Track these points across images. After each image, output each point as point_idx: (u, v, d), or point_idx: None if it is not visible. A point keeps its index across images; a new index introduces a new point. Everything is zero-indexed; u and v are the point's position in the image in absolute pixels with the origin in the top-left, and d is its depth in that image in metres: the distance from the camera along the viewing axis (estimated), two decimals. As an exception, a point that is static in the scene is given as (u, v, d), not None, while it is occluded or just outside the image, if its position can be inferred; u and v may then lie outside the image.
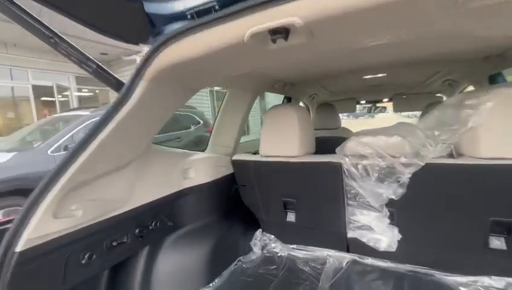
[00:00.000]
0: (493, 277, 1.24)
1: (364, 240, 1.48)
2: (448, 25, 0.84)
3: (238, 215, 1.83)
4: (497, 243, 1.24)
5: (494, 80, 1.88)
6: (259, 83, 1.81)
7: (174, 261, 1.34)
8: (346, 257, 1.53)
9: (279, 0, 0.67)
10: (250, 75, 1.60)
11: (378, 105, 3.96)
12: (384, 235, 1.42)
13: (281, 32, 0.73)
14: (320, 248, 1.65)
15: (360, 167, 1.33)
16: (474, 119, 1.14)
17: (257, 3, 0.69)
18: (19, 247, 0.75)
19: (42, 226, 0.78)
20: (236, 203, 1.86)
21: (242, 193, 1.85)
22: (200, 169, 1.56)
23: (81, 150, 0.87)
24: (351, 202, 1.47)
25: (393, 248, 1.39)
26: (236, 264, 1.60)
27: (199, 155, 1.67)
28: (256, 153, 1.76)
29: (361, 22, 0.73)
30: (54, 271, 0.87)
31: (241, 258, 1.65)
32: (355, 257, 1.52)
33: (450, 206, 1.25)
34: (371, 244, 1.46)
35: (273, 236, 1.82)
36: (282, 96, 2.65)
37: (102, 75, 0.96)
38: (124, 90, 0.93)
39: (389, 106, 4.00)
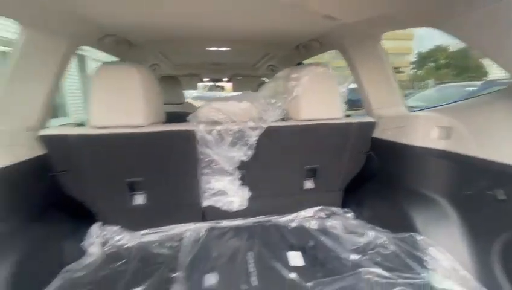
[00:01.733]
0: (306, 210, 1.68)
1: (219, 205, 1.53)
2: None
3: (57, 213, 1.32)
4: (308, 184, 1.68)
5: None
6: (80, 28, 1.31)
7: None
8: (203, 226, 1.53)
9: None
10: (60, 10, 1.11)
11: (218, 84, 4.23)
12: (236, 196, 1.53)
13: None
14: (175, 225, 1.54)
15: (214, 132, 1.32)
16: (297, 90, 1.42)
17: None
18: None
19: None
20: (53, 196, 1.33)
21: (63, 181, 1.34)
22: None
23: None
24: (205, 171, 1.46)
25: (245, 205, 1.54)
26: (60, 278, 1.16)
27: None
28: (81, 125, 1.30)
29: None
30: None
31: (67, 267, 1.21)
32: (212, 223, 1.55)
33: (281, 161, 1.54)
34: (225, 207, 1.54)
35: (117, 227, 1.48)
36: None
37: None
38: None
39: (227, 87, 4.38)
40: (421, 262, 1.15)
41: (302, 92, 1.41)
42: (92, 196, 1.41)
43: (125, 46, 1.78)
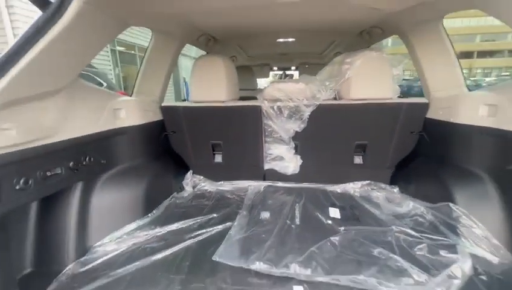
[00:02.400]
0: (355, 182, 1.87)
1: (277, 168, 1.90)
2: None
3: (168, 160, 1.94)
4: (358, 159, 1.86)
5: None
6: (185, 31, 1.86)
7: (109, 196, 1.38)
8: (262, 184, 1.93)
9: None
10: (177, 21, 1.65)
11: (287, 73, 4.56)
12: (291, 162, 1.87)
13: None
14: (243, 181, 1.99)
15: (275, 107, 1.69)
16: (349, 72, 1.63)
17: None
18: None
19: None
20: (166, 149, 1.96)
21: (172, 140, 1.95)
22: (130, 111, 1.57)
23: (4, 69, 0.82)
24: (268, 139, 1.84)
25: (297, 171, 1.86)
26: (170, 200, 1.76)
27: (128, 98, 1.66)
28: (184, 100, 1.86)
29: None
30: None
31: (175, 194, 1.82)
32: (270, 182, 1.94)
33: (332, 135, 1.78)
34: (282, 171, 1.90)
35: (202, 177, 2.04)
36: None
37: None
38: (51, 9, 0.89)
39: (296, 75, 4.66)
40: (453, 229, 1.25)
41: (353, 74, 1.61)
42: (187, 152, 1.99)
43: (212, 42, 2.30)
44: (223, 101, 1.74)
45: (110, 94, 1.53)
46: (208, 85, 1.74)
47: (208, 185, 2.00)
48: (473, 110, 1.31)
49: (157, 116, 1.84)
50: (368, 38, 2.18)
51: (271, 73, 4.42)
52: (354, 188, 1.83)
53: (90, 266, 1.18)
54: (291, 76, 4.50)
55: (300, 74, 4.08)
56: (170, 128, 1.91)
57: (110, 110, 1.44)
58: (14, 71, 0.83)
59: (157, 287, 1.04)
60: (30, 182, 0.96)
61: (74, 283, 1.08)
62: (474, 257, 1.15)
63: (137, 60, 12.91)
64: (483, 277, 1.06)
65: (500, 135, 1.17)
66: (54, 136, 1.05)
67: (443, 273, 1.01)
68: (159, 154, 1.85)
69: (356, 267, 1.08)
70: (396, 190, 1.75)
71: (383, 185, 1.82)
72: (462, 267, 1.02)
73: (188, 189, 1.92)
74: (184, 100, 1.87)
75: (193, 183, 1.99)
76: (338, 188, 1.83)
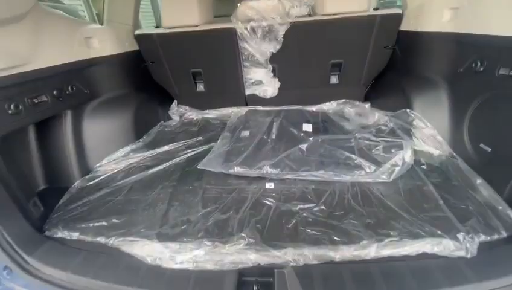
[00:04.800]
0: (332, 102, 1.98)
1: (257, 93, 1.99)
2: None
3: (152, 90, 2.01)
4: (333, 79, 1.94)
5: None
6: None
7: (100, 124, 1.51)
8: (244, 109, 2.05)
9: None
10: None
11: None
12: (269, 86, 1.94)
13: None
14: (226, 108, 2.10)
15: (248, 27, 1.67)
16: (324, -16, 1.56)
17: None
18: None
19: None
20: (148, 80, 2.00)
21: (152, 70, 1.98)
22: (104, 40, 1.56)
23: None
24: (246, 64, 1.87)
25: (275, 93, 1.95)
26: (159, 127, 1.90)
27: (98, 26, 1.62)
28: (157, 27, 1.81)
29: None
30: None
31: (162, 122, 1.95)
32: (251, 107, 2.05)
33: (308, 55, 1.80)
34: (261, 95, 1.99)
35: (188, 107, 2.14)
36: None
37: None
38: None
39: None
40: (407, 131, 1.42)
41: (328, -14, 1.55)
42: (169, 82, 2.03)
43: None
44: (197, 25, 1.71)
45: (79, 22, 1.49)
46: (179, 8, 1.68)
47: (194, 114, 2.12)
48: (438, 16, 1.32)
49: (133, 46, 1.82)
50: None
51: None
52: (330, 106, 1.96)
53: (94, 181, 1.38)
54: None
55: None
56: (148, 59, 1.91)
57: (81, 39, 1.43)
58: None
59: (153, 191, 1.26)
60: (20, 107, 1.06)
61: (83, 193, 1.29)
62: (420, 152, 1.35)
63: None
64: (424, 166, 1.27)
65: (456, 39, 1.23)
66: (28, 64, 1.10)
67: (388, 163, 1.22)
68: (141, 85, 1.91)
69: (318, 166, 1.28)
70: (367, 105, 1.87)
71: (357, 103, 1.94)
72: (403, 158, 1.22)
73: (175, 118, 2.04)
74: (157, 27, 1.81)
75: (179, 113, 2.11)
76: (314, 108, 1.95)
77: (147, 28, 1.84)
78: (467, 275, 0.76)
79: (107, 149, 1.54)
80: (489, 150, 1.10)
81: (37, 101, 1.15)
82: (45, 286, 0.87)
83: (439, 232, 0.89)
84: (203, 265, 0.88)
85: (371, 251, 0.86)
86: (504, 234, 0.88)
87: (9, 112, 1.03)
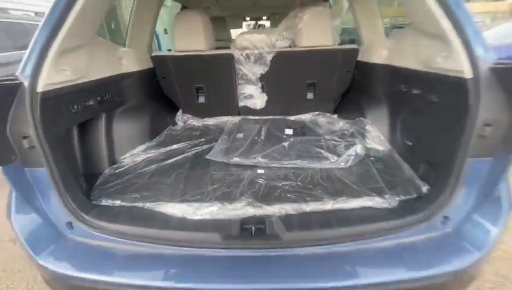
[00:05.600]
0: (307, 114, 2.48)
1: (248, 104, 2.46)
2: None
3: (162, 101, 2.42)
4: (309, 96, 2.45)
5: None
6: None
7: (124, 125, 1.88)
8: (238, 118, 2.50)
9: None
10: None
11: (259, 23, 4.80)
12: (258, 100, 2.42)
13: None
14: (222, 117, 2.54)
15: (244, 54, 2.16)
16: (300, 25, 2.10)
17: None
18: (40, 88, 1.14)
19: (49, 77, 1.17)
20: (158, 92, 2.42)
21: (163, 85, 2.40)
22: (129, 60, 1.98)
23: (57, 28, 1.20)
24: (240, 81, 2.35)
25: (263, 106, 2.43)
26: (167, 131, 2.30)
27: (126, 49, 2.04)
28: (169, 50, 2.26)
29: None
30: (59, 110, 1.30)
31: (170, 127, 2.35)
32: (244, 116, 2.51)
33: (289, 76, 2.31)
34: (252, 106, 2.46)
35: (190, 115, 2.56)
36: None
37: None
38: None
39: (268, 25, 4.91)
40: (361, 134, 1.93)
41: (303, 26, 2.09)
42: (176, 94, 2.46)
43: None
44: (203, 50, 2.17)
45: (114, 46, 1.91)
46: (189, 37, 2.14)
47: (195, 121, 2.54)
48: (379, 52, 1.88)
49: (149, 65, 2.24)
50: None
51: (244, 23, 4.65)
52: (306, 117, 2.46)
53: (121, 169, 1.74)
54: (263, 26, 4.76)
55: (271, 24, 4.38)
56: (160, 75, 2.33)
57: (116, 58, 1.84)
58: (63, 30, 1.23)
59: (171, 175, 1.64)
60: (79, 107, 1.44)
61: (113, 177, 1.64)
62: (369, 148, 1.84)
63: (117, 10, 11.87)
64: (372, 158, 1.76)
65: (390, 69, 1.77)
66: (86, 77, 1.49)
67: (345, 154, 1.69)
68: (154, 96, 2.31)
69: (296, 157, 1.73)
70: (335, 116, 2.39)
71: (327, 114, 2.46)
72: (356, 151, 1.70)
73: (180, 124, 2.45)
74: (169, 50, 2.26)
75: (183, 120, 2.52)
76: (294, 117, 2.44)
77: (162, 51, 2.25)
78: (388, 216, 1.22)
79: (129, 145, 1.91)
80: (411, 144, 1.61)
81: (87, 104, 1.53)
82: (100, 235, 1.22)
83: (373, 194, 1.35)
84: (217, 216, 1.27)
85: (329, 205, 1.30)
86: (414, 195, 1.35)
87: (73, 110, 1.41)
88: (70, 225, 1.23)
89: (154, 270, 1.12)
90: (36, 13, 5.12)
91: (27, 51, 1.14)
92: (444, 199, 1.14)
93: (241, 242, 1.16)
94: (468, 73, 1.05)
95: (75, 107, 1.42)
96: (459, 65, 1.08)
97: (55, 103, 1.27)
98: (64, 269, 1.13)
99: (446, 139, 1.20)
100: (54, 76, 1.22)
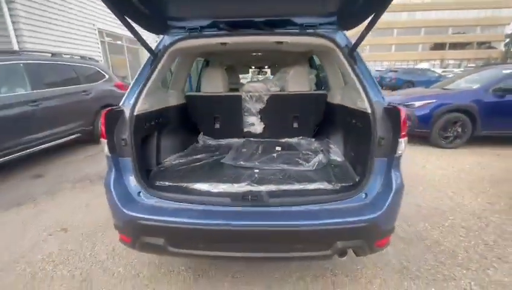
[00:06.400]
0: (293, 138, 3.41)
1: (250, 130, 3.41)
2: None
3: (190, 125, 3.40)
4: (295, 124, 3.41)
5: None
6: (201, 55, 3.30)
7: (167, 140, 2.82)
8: (242, 139, 3.43)
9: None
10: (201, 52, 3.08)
11: (262, 70, 6.08)
12: (258, 126, 3.38)
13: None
14: (231, 138, 3.48)
15: (249, 95, 3.17)
16: (287, 77, 3.13)
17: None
18: (136, 112, 2.09)
19: (139, 107, 2.14)
20: (188, 119, 3.41)
21: (191, 114, 3.40)
22: (172, 98, 2.99)
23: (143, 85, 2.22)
24: (245, 113, 3.33)
25: (261, 131, 3.38)
26: (192, 146, 3.23)
27: (171, 91, 3.08)
28: (198, 90, 3.29)
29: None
30: (140, 126, 2.25)
31: (195, 144, 3.29)
32: (247, 139, 3.45)
33: (280, 110, 3.30)
34: (253, 131, 3.41)
35: (208, 137, 3.51)
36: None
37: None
38: (157, 55, 2.30)
39: (269, 72, 6.16)
40: (326, 150, 2.82)
41: (289, 78, 3.12)
42: (200, 122, 3.44)
43: (213, 56, 3.72)
44: (220, 92, 3.20)
45: (165, 89, 2.94)
46: (212, 82, 3.19)
47: (211, 141, 3.48)
48: (337, 96, 2.86)
49: (183, 100, 3.26)
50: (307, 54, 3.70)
51: (250, 70, 5.93)
52: (292, 140, 3.39)
53: (164, 167, 2.63)
54: (265, 72, 6.02)
55: (271, 71, 5.57)
56: (190, 108, 3.34)
57: (165, 97, 2.85)
58: (149, 83, 2.23)
59: (200, 171, 2.52)
60: (147, 124, 2.39)
61: (160, 171, 2.53)
62: (331, 159, 2.72)
63: (125, 50, 13.66)
64: (332, 165, 2.63)
65: (342, 107, 2.73)
66: (152, 108, 2.47)
67: (312, 162, 2.57)
68: (186, 122, 3.29)
69: (281, 163, 2.61)
70: (313, 140, 3.31)
71: (308, 139, 3.38)
72: (319, 160, 2.58)
73: (201, 142, 3.39)
74: (198, 91, 3.28)
75: (203, 139, 3.46)
76: (283, 140, 3.37)
77: (192, 91, 3.30)
78: (332, 192, 2.05)
79: (169, 153, 2.83)
80: (353, 154, 2.50)
81: (151, 124, 2.49)
82: (159, 200, 2.06)
83: (325, 182, 2.19)
84: (228, 190, 2.12)
85: (297, 186, 2.15)
86: (350, 183, 2.19)
87: (144, 127, 2.35)
88: (139, 193, 2.08)
89: (188, 218, 1.95)
90: (53, 54, 5.43)
91: (126, 92, 2.14)
92: (365, 183, 1.99)
93: (242, 204, 1.99)
94: (369, 110, 1.98)
95: (146, 124, 2.37)
96: (366, 106, 2.02)
97: (139, 121, 2.22)
98: (136, 213, 1.95)
99: (365, 148, 2.09)
100: (141, 106, 2.19)
